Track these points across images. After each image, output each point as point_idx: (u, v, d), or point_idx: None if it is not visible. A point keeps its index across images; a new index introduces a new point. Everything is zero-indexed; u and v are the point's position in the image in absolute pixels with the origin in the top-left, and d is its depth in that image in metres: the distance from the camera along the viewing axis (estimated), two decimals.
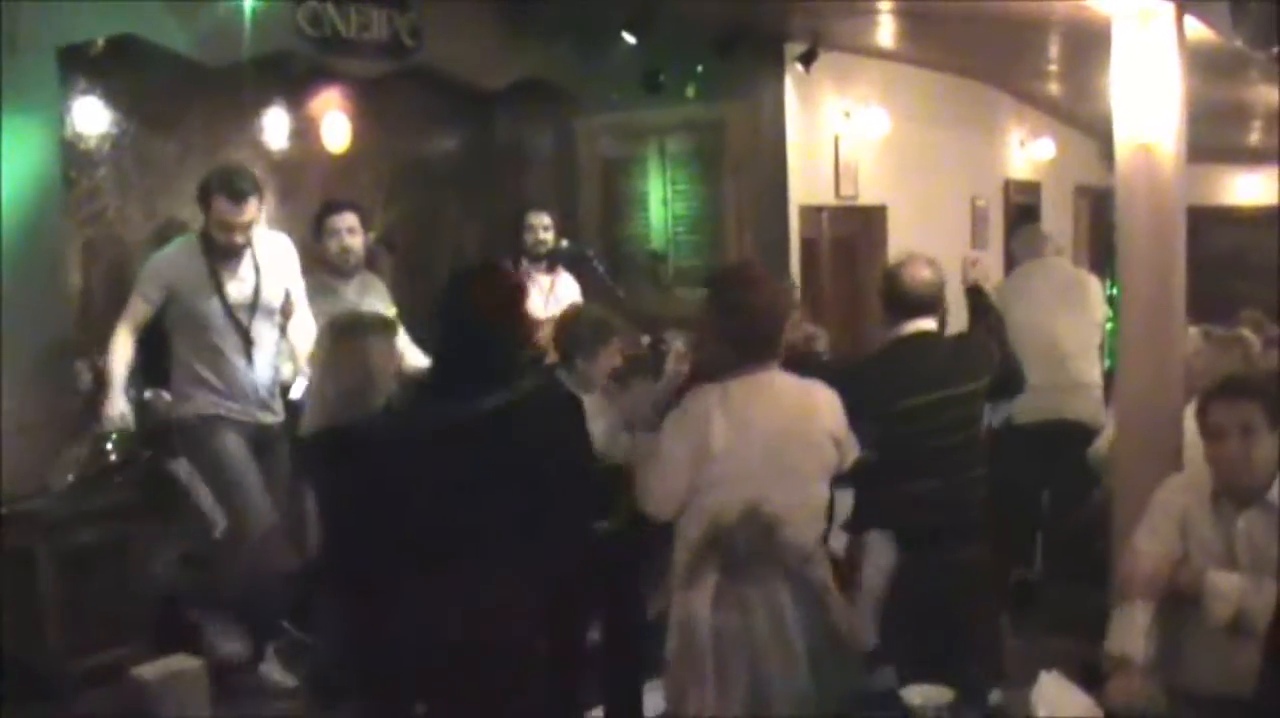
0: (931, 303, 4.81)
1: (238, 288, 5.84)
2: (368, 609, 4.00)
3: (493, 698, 3.60)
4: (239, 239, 5.74)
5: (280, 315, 5.99)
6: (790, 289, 4.64)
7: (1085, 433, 6.68)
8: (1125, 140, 5.09)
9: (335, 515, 4.23)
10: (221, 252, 5.78)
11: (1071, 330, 6.99)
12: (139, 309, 5.76)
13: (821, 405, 4.07)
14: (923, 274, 4.78)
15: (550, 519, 3.76)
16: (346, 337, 4.48)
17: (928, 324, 4.81)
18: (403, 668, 3.84)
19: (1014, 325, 6.57)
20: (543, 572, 3.79)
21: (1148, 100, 5.02)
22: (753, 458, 3.84)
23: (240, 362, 5.83)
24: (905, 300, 4.79)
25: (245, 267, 5.86)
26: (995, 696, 3.72)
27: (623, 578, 5.03)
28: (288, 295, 6.00)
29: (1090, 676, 3.74)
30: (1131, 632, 3.91)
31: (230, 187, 5.68)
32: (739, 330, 4.05)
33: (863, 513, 4.75)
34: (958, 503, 4.67)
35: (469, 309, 3.98)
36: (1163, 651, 3.94)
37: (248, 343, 5.85)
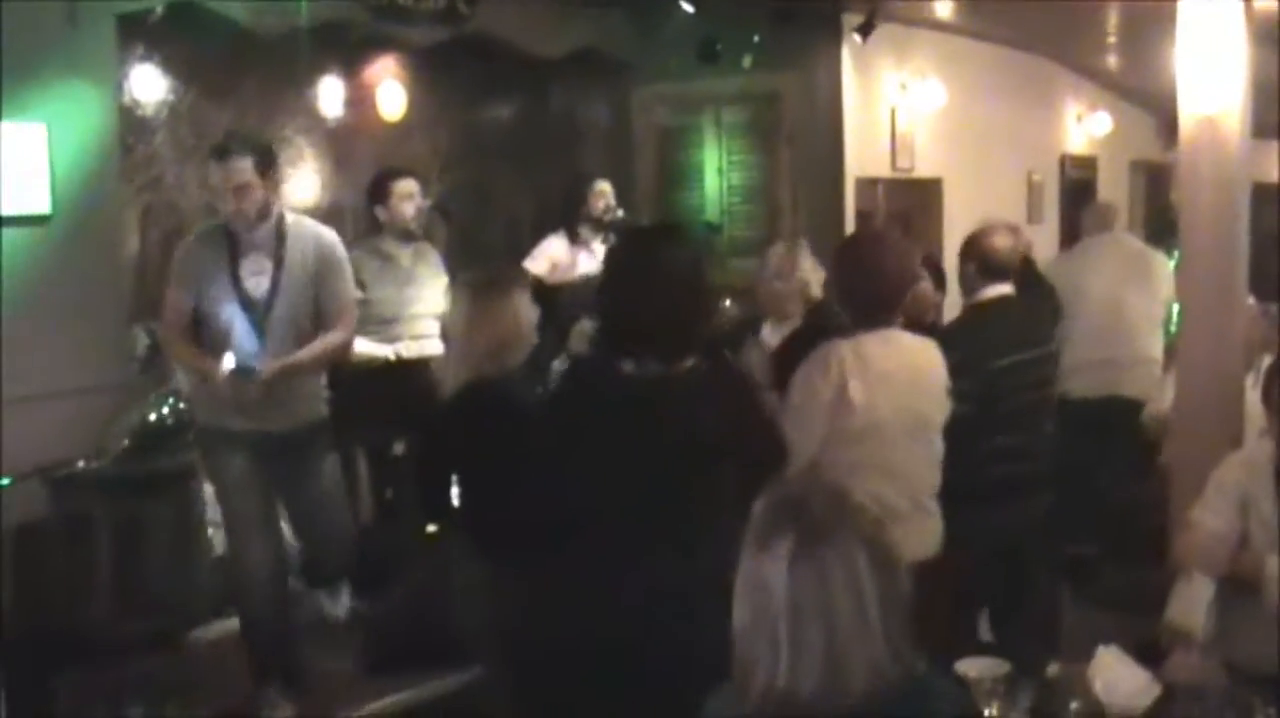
0: (1011, 269, 5.00)
1: (255, 281, 5.06)
2: (507, 572, 4.01)
3: (648, 678, 3.44)
4: (232, 207, 4.93)
5: (318, 319, 5.20)
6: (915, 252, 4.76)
7: (1141, 410, 6.63)
8: (1189, 113, 5.03)
9: (480, 471, 4.20)
10: (241, 236, 5.05)
11: (1137, 306, 6.93)
12: (176, 302, 5.12)
13: (937, 361, 4.35)
14: (1006, 241, 4.98)
15: (720, 500, 3.54)
16: (491, 292, 4.43)
17: (1007, 289, 4.96)
18: (546, 633, 3.70)
19: (1080, 297, 6.62)
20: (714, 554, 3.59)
21: (1212, 72, 4.96)
22: (886, 412, 4.14)
23: (252, 363, 4.96)
24: (989, 266, 4.94)
25: (263, 254, 5.06)
26: (1052, 669, 3.68)
27: None
28: (332, 296, 5.22)
29: (1147, 652, 3.70)
30: (1192, 606, 3.87)
31: (217, 147, 5.02)
32: (870, 289, 4.27)
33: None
34: (1032, 457, 4.83)
35: (662, 272, 3.67)
36: (1222, 628, 3.91)
37: (261, 343, 5.03)
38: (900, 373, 4.23)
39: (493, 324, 4.32)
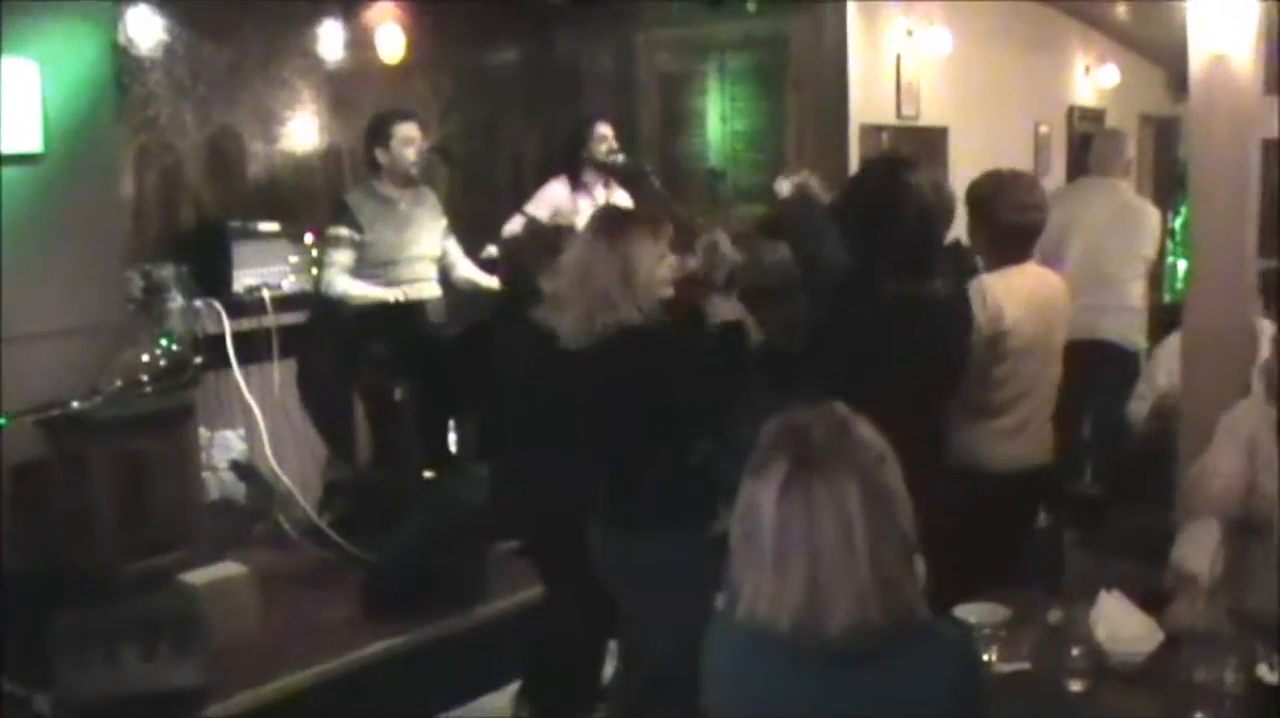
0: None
1: None
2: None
3: None
4: None
5: None
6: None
7: (1121, 353, 6.71)
8: (1200, 50, 4.95)
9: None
10: None
11: (1119, 255, 6.90)
12: None
13: (1063, 291, 4.79)
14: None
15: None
16: (614, 229, 4.17)
17: None
18: None
19: (1064, 241, 6.60)
20: None
21: (1224, 7, 4.87)
22: (1031, 334, 4.53)
23: None
24: None
25: None
26: (1053, 615, 3.65)
27: None
28: None
29: (1150, 599, 3.67)
30: (1199, 550, 3.83)
31: None
32: (1019, 228, 4.60)
33: None
34: None
35: (916, 199, 4.08)
36: (1227, 575, 3.86)
37: None
38: (1039, 301, 4.62)
39: (613, 263, 4.06)
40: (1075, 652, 3.31)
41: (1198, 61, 4.96)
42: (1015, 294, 4.53)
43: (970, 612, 3.50)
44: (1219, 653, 3.24)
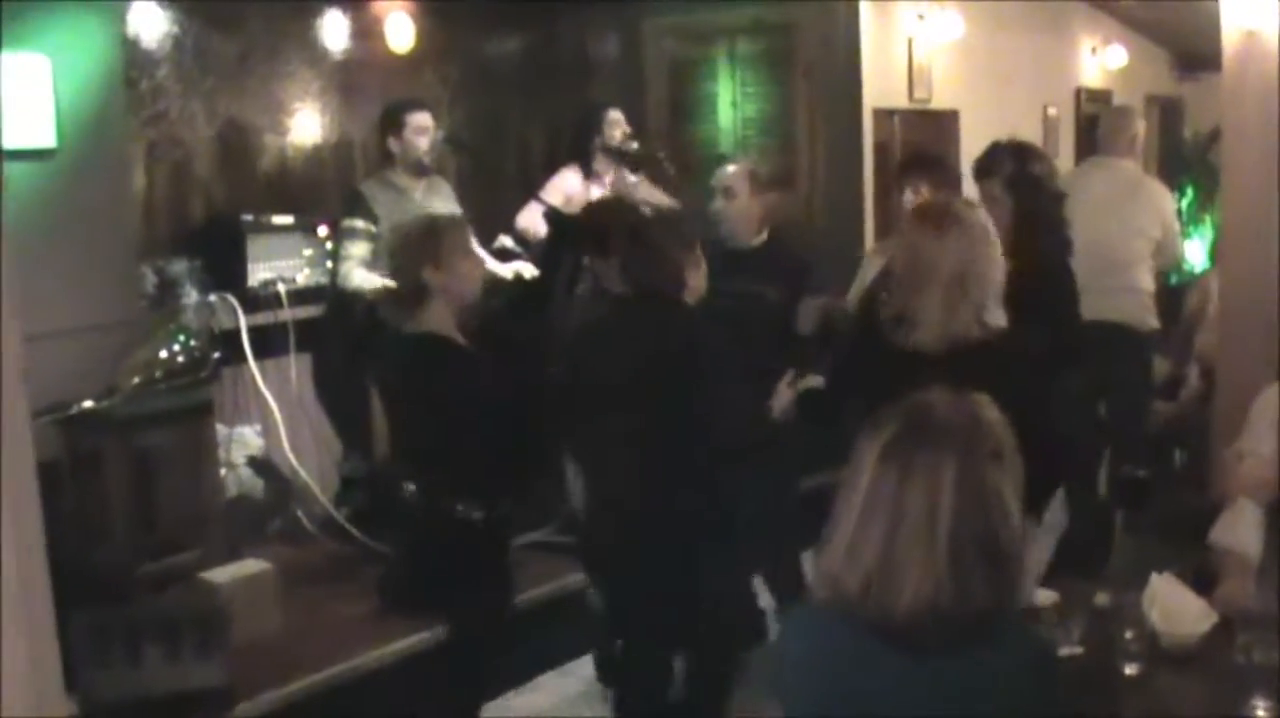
0: None
1: None
2: None
3: None
4: None
5: None
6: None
7: (1132, 334, 6.52)
8: (1231, 26, 4.91)
9: None
10: None
11: (1122, 236, 6.64)
12: None
13: None
14: None
15: None
16: (941, 221, 3.82)
17: None
18: None
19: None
20: None
21: None
22: None
23: None
24: None
25: None
26: (1101, 598, 3.59)
27: None
28: None
29: (1201, 581, 3.62)
30: (1238, 528, 3.79)
31: None
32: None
33: None
34: None
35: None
36: (1274, 555, 3.82)
37: None
38: None
39: (953, 266, 3.69)
40: (1129, 635, 3.26)
41: (1230, 38, 4.93)
42: None
43: None
44: (1271, 633, 3.19)
